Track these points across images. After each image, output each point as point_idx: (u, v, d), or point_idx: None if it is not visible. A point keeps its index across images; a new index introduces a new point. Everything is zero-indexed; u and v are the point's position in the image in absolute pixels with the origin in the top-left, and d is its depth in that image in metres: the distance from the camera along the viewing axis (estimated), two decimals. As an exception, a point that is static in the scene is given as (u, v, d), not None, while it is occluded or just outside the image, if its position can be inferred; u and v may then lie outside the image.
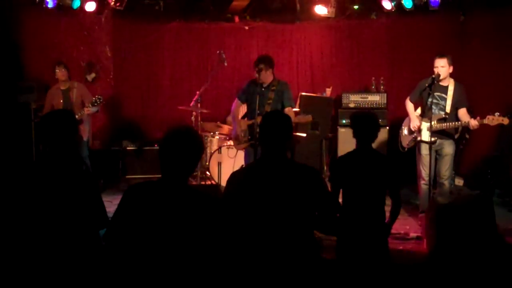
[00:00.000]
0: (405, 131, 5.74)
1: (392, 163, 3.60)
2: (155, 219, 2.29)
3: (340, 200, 3.57)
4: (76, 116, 6.08)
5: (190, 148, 2.37)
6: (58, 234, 2.69)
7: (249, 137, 5.54)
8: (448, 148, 5.41)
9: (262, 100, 5.38)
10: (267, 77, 5.49)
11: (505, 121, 4.98)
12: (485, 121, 5.02)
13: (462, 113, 5.30)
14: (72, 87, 6.44)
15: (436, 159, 5.41)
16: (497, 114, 4.98)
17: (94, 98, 6.20)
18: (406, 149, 5.71)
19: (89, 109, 6.13)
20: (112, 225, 2.42)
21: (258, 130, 5.24)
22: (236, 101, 5.83)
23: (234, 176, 2.80)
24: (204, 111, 6.70)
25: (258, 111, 5.27)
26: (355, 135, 3.56)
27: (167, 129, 2.45)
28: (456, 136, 5.61)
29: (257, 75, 5.40)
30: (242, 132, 5.64)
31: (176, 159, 2.35)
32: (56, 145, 2.83)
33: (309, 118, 5.71)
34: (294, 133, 6.57)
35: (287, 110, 5.52)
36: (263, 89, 5.46)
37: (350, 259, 3.46)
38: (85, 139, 6.46)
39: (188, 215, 2.31)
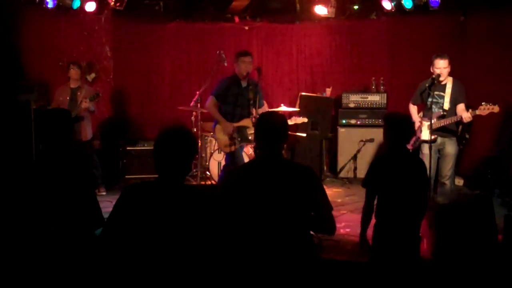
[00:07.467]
0: None
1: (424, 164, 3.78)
2: (151, 219, 2.29)
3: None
4: (75, 113, 6.15)
5: (183, 147, 2.37)
6: (54, 233, 2.69)
7: (239, 139, 5.51)
8: (450, 148, 5.40)
9: (243, 101, 5.44)
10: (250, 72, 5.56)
11: (496, 109, 4.99)
12: (478, 111, 5.04)
13: (460, 108, 5.30)
14: (81, 87, 6.55)
15: (438, 159, 5.42)
16: (483, 103, 4.99)
17: (92, 94, 6.32)
18: (411, 150, 5.71)
19: (87, 103, 6.20)
20: (108, 226, 2.42)
21: (246, 131, 5.41)
22: (212, 99, 5.53)
23: (230, 174, 2.78)
24: (204, 111, 6.68)
25: (244, 113, 5.42)
26: (388, 137, 3.68)
27: (160, 129, 2.45)
28: (458, 133, 5.62)
29: (245, 68, 5.43)
30: (235, 134, 5.50)
31: (170, 158, 2.36)
32: (51, 144, 2.84)
33: (304, 119, 5.78)
34: (294, 133, 6.57)
35: (263, 108, 5.67)
36: (243, 89, 5.50)
37: (385, 261, 3.54)
38: (88, 138, 6.50)
39: (185, 214, 2.31)
